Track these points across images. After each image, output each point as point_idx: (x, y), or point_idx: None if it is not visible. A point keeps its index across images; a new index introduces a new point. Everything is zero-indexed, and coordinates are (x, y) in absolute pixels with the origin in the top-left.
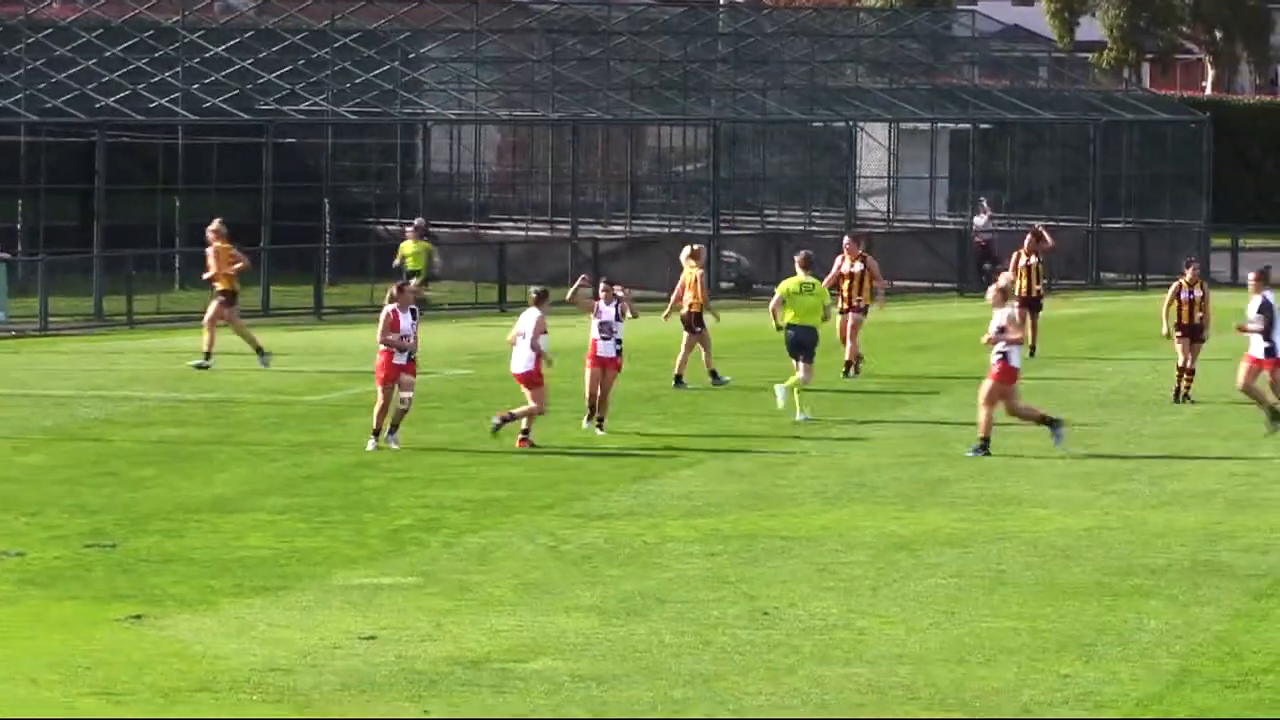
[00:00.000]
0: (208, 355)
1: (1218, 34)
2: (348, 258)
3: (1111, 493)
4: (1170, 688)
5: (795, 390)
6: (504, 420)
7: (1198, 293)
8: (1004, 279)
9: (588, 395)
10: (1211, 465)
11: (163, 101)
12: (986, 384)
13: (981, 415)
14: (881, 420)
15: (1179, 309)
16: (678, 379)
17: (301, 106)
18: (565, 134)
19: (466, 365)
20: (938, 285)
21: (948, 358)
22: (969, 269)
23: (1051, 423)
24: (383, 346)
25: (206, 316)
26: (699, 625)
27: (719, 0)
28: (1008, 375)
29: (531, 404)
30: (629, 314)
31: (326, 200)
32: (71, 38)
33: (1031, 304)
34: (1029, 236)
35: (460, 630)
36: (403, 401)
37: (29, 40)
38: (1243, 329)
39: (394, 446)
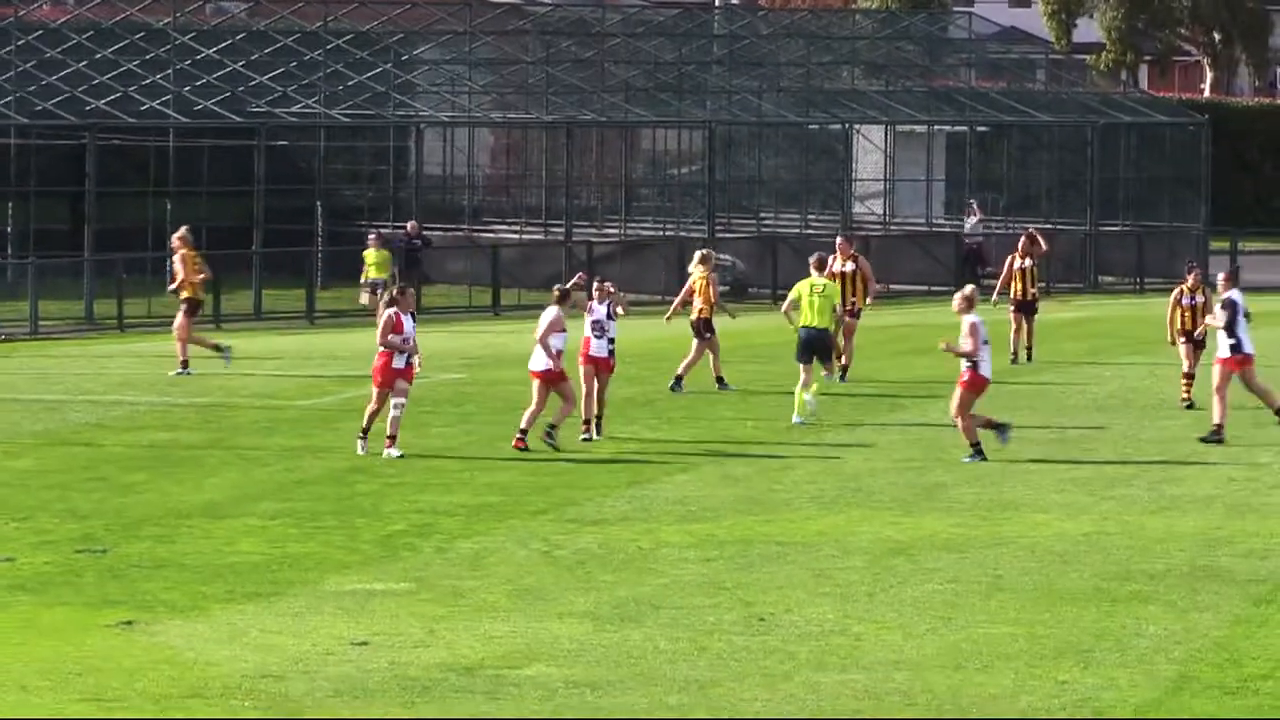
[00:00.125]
0: (184, 364)
1: (1216, 36)
2: (340, 261)
3: (1110, 498)
4: (1169, 694)
5: (799, 392)
6: (550, 433)
7: (1199, 298)
8: (969, 288)
9: (583, 398)
10: (1210, 470)
11: (154, 104)
12: (957, 393)
13: (960, 425)
14: (878, 424)
15: (1181, 315)
16: (677, 380)
17: (293, 109)
18: (559, 136)
19: (460, 369)
20: (934, 289)
21: (945, 362)
22: (964, 273)
23: (998, 427)
24: (382, 349)
25: (175, 325)
26: (694, 631)
27: (714, 2)
28: (977, 384)
29: (563, 404)
30: (620, 311)
31: (319, 203)
32: (62, 40)
33: (1026, 308)
34: (1023, 239)
35: (453, 636)
36: (395, 407)
37: (19, 42)
38: (1207, 325)
39: (394, 455)
